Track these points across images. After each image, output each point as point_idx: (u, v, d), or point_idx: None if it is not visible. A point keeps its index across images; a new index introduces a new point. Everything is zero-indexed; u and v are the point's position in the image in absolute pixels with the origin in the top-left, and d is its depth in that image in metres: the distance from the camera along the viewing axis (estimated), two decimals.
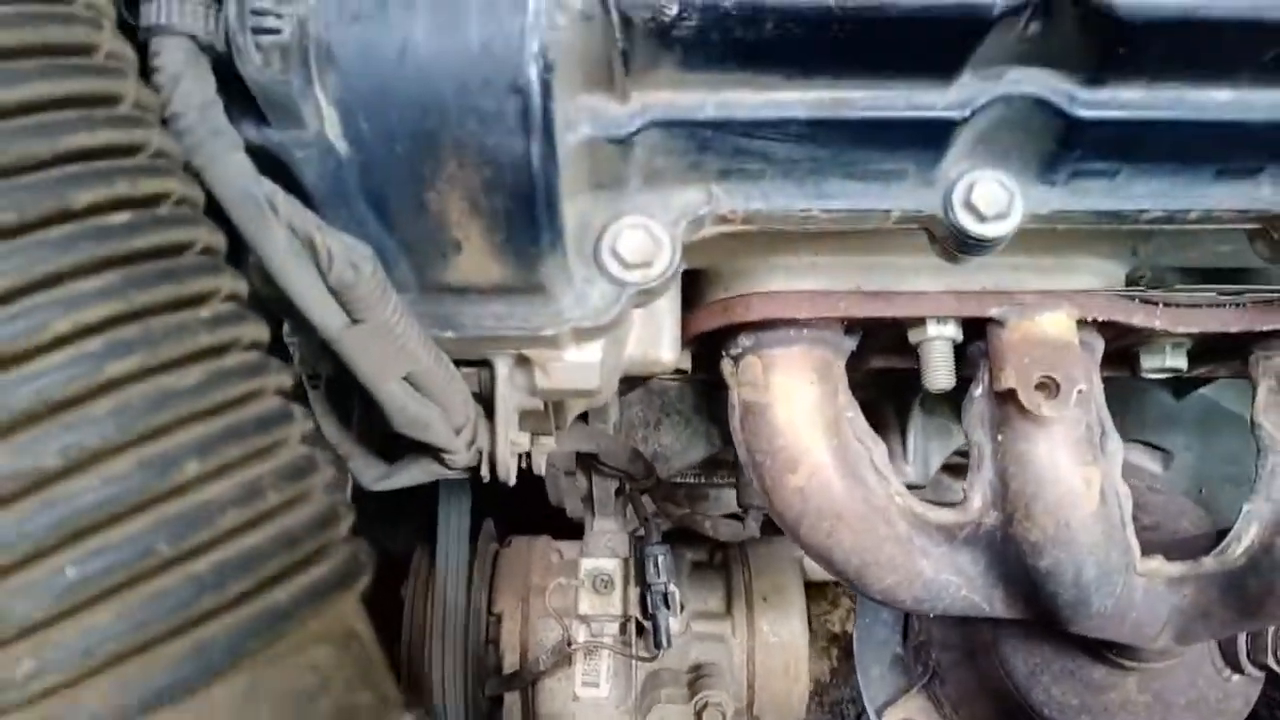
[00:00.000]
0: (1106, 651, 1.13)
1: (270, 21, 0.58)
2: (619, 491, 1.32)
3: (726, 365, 0.95)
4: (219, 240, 0.52)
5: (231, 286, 0.51)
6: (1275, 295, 0.88)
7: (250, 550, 0.45)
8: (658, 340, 0.89)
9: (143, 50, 0.58)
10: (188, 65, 0.57)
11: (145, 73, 0.57)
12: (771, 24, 0.61)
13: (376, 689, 0.52)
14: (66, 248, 0.42)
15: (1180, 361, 0.97)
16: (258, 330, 0.52)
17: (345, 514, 0.53)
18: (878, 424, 1.48)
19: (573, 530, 1.48)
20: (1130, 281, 0.96)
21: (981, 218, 0.71)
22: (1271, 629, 1.12)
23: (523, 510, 1.48)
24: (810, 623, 2.37)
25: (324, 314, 0.63)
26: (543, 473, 1.01)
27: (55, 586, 0.40)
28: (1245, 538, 0.94)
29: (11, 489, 0.40)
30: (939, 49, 0.64)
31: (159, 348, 0.43)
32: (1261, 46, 0.63)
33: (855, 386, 1.32)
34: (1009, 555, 0.93)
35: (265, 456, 0.47)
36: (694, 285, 0.95)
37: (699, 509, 1.47)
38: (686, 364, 1.02)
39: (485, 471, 0.80)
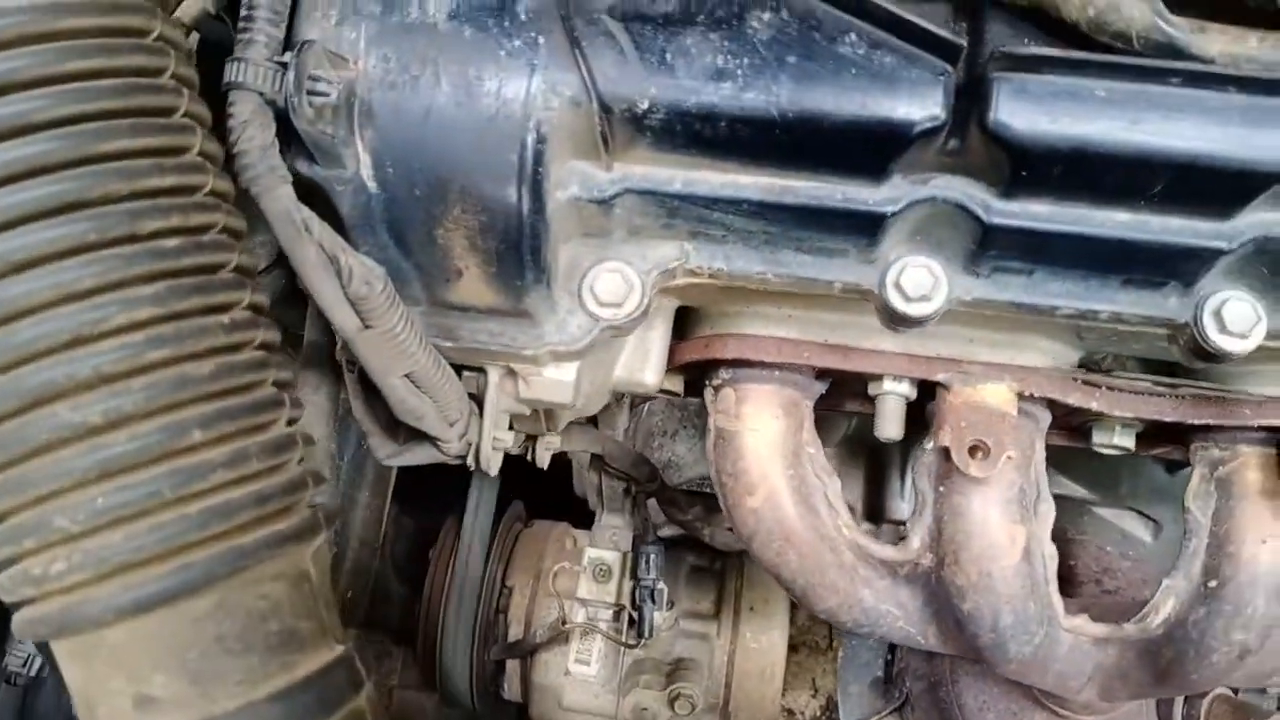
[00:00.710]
0: (1045, 699, 1.21)
1: (322, 86, 0.73)
2: (627, 491, 1.45)
3: (708, 393, 1.07)
4: (251, 261, 0.68)
5: (252, 299, 0.67)
6: (1208, 391, 0.95)
7: (231, 503, 0.60)
8: (644, 365, 1.02)
9: (223, 99, 0.74)
10: (255, 115, 0.73)
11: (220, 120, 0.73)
12: (724, 123, 0.74)
13: (318, 621, 0.67)
14: (131, 262, 0.57)
15: (1128, 441, 1.05)
16: (269, 334, 0.68)
17: (313, 484, 0.68)
18: (883, 462, 1.59)
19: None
20: (1091, 364, 1.04)
21: (908, 298, 0.82)
22: (1206, 699, 1.18)
23: (560, 498, 1.63)
24: (832, 642, 2.46)
25: (342, 318, 0.78)
26: (544, 465, 1.15)
27: (87, 510, 0.56)
28: (1163, 610, 1.01)
29: (66, 436, 0.56)
30: (868, 155, 0.75)
31: (185, 342, 0.59)
32: (1149, 179, 0.72)
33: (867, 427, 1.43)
34: (940, 595, 1.03)
35: (255, 432, 0.63)
36: (687, 320, 1.07)
37: (712, 519, 1.59)
38: (679, 387, 1.14)
39: (470, 461, 0.94)
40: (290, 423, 0.67)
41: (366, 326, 0.79)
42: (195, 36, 1.00)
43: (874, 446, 1.57)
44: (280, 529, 0.63)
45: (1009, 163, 0.73)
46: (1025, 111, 0.70)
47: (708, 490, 1.65)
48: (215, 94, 0.75)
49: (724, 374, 1.05)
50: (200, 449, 0.59)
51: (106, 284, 0.57)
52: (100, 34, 0.58)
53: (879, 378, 1.00)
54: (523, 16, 0.75)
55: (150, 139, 0.60)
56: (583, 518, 1.64)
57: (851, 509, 1.38)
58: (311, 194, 0.79)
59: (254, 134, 0.73)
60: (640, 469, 1.36)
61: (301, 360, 1.13)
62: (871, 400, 1.04)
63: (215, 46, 1.02)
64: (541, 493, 1.67)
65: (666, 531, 1.60)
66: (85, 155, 0.57)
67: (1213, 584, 0.98)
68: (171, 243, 0.60)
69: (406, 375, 0.83)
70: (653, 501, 1.49)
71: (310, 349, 1.14)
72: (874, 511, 1.57)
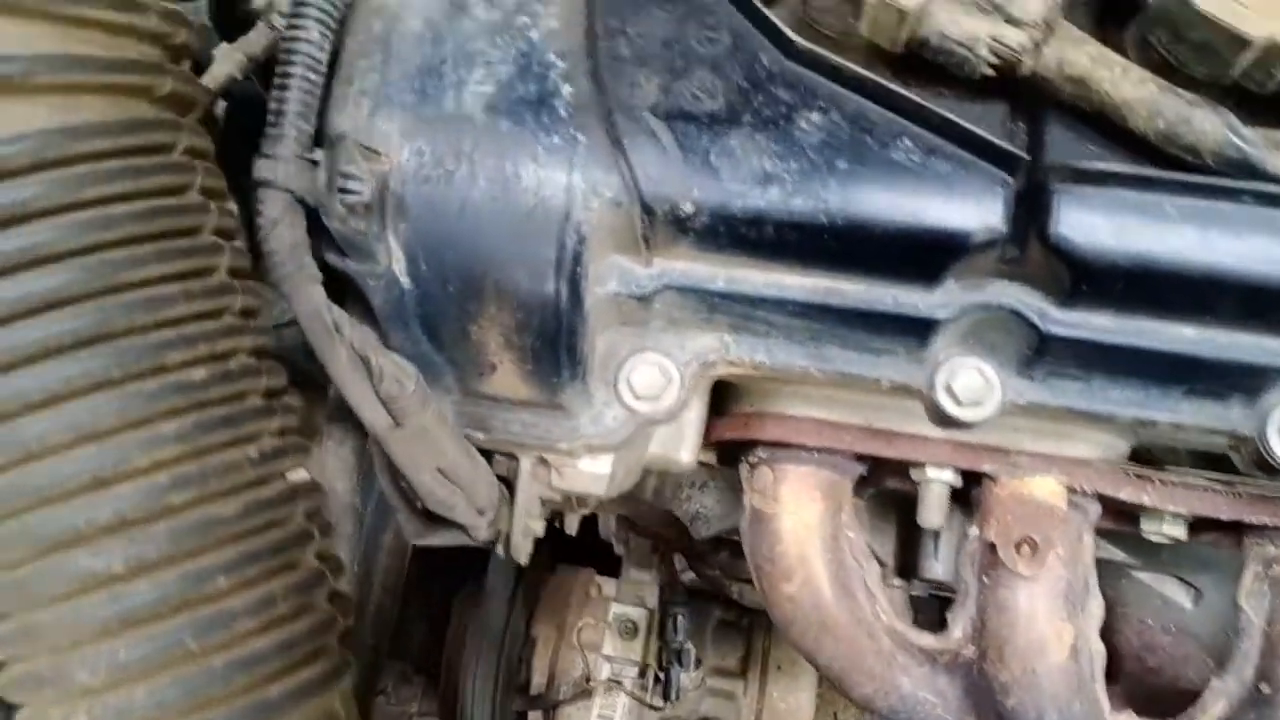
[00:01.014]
0: None
1: (354, 185, 0.71)
2: (654, 548, 1.43)
3: (744, 470, 1.04)
4: (279, 381, 0.65)
5: (281, 423, 0.64)
6: (1267, 490, 0.91)
7: (256, 653, 0.58)
8: (679, 444, 0.99)
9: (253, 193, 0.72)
10: (285, 213, 0.71)
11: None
12: (771, 227, 0.71)
13: None
14: (154, 399, 0.55)
15: (1179, 531, 1.01)
16: (297, 458, 0.65)
17: (342, 619, 0.65)
18: (915, 518, 1.55)
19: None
20: (1140, 454, 1.00)
21: (959, 402, 0.79)
22: None
23: (585, 539, 1.61)
24: None
25: (373, 416, 0.76)
26: (573, 531, 1.13)
27: (109, 663, 0.54)
28: (1211, 711, 0.97)
29: (87, 585, 0.54)
30: (922, 264, 0.72)
31: (211, 482, 0.57)
32: (1218, 298, 0.69)
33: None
34: (982, 688, 0.99)
35: (282, 573, 0.60)
36: (725, 394, 1.04)
37: (738, 569, 1.56)
38: (713, 459, 1.11)
39: (500, 549, 0.92)
40: (320, 556, 0.65)
41: (397, 425, 0.77)
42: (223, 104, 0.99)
43: (906, 502, 1.54)
44: (308, 677, 0.61)
45: (1069, 275, 0.70)
46: (1088, 226, 0.67)
47: (735, 538, 1.62)
48: (245, 152, 0.73)
49: (761, 453, 1.01)
50: (225, 596, 0.57)
51: (128, 423, 0.54)
52: (120, 155, 0.56)
53: (921, 465, 0.97)
54: (562, 112, 0.72)
55: (175, 264, 0.58)
56: (609, 560, 1.61)
57: (883, 564, 1.35)
58: (343, 285, 0.77)
59: (284, 233, 0.71)
60: (669, 529, 1.33)
61: (326, 414, 1.11)
62: (913, 481, 1.00)
63: (245, 103, 1.00)
64: (566, 536, 1.65)
65: (690, 576, 1.58)
66: (106, 286, 0.55)
67: (1265, 689, 0.94)
68: (198, 374, 0.58)
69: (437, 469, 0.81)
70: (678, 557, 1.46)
71: (335, 403, 1.12)
72: (905, 568, 1.53)
